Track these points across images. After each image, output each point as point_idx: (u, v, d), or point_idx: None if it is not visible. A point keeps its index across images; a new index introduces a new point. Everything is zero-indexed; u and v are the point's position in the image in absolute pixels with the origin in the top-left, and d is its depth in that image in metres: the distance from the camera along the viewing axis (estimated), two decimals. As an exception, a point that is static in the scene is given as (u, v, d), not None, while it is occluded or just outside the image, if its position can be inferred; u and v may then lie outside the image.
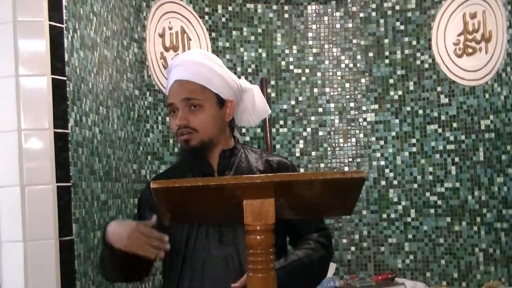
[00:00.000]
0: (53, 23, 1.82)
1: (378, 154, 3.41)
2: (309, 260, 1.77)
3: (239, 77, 1.92)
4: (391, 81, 3.40)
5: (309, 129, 3.47)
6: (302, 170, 3.39)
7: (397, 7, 3.39)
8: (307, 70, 3.49)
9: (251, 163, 1.84)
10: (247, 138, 3.31)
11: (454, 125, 3.20)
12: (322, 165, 3.41)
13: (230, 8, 3.33)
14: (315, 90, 3.49)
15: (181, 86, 1.79)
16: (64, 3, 1.87)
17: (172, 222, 1.64)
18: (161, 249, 1.58)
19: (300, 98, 3.48)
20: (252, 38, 3.39)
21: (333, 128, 3.47)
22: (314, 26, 3.50)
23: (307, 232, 1.83)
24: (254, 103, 1.92)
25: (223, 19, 3.31)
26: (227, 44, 3.31)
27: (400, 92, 3.38)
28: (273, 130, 3.41)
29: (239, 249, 1.70)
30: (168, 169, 2.05)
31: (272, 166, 1.84)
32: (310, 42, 3.50)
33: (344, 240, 3.40)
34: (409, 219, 3.32)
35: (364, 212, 3.38)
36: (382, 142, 3.41)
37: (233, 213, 1.28)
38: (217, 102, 1.78)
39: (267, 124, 3.27)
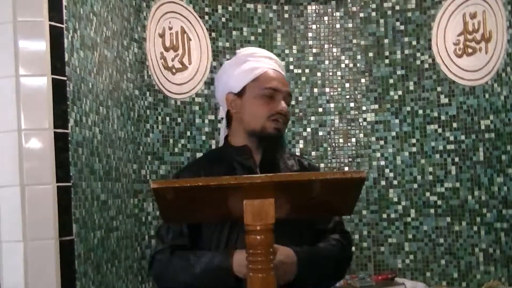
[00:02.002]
0: (53, 23, 1.82)
1: (378, 154, 3.41)
2: (332, 252, 1.81)
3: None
4: (391, 81, 3.40)
5: (309, 129, 3.47)
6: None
7: (397, 7, 3.39)
8: (307, 70, 3.49)
9: (287, 162, 1.90)
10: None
11: (454, 125, 3.20)
12: (322, 165, 3.41)
13: (230, 8, 3.33)
14: (315, 90, 3.49)
15: (282, 78, 1.88)
16: (64, 3, 1.87)
17: (209, 225, 1.69)
18: None
19: (300, 98, 3.48)
20: (252, 38, 3.39)
21: (333, 128, 3.47)
22: (314, 26, 3.50)
23: (329, 232, 1.88)
24: None
25: (223, 19, 3.31)
26: (227, 44, 3.31)
27: (400, 92, 3.38)
28: (273, 130, 3.40)
29: (283, 242, 1.71)
30: (195, 164, 2.01)
31: (306, 167, 1.92)
32: (310, 42, 3.50)
33: (344, 240, 3.40)
34: (409, 219, 3.32)
35: (364, 212, 3.38)
36: (382, 142, 3.41)
37: (233, 213, 1.28)
38: None
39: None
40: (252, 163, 1.83)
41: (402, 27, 3.38)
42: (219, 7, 3.29)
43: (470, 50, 3.12)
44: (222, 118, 2.01)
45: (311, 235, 1.86)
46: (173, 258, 1.78)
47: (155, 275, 1.86)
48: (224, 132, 1.99)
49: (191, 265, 1.72)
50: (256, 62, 1.88)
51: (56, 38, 1.83)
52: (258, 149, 1.85)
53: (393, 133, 3.38)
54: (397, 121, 3.38)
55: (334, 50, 3.49)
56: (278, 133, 1.81)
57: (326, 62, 3.50)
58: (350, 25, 3.48)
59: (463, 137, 3.16)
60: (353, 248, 2.04)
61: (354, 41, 3.47)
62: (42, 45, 1.80)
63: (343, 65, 3.49)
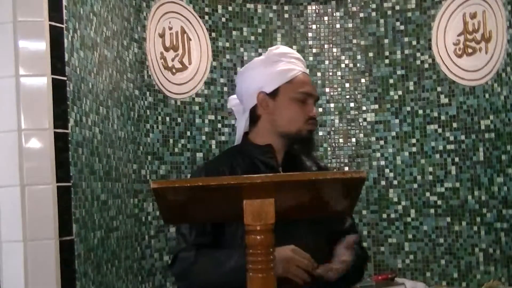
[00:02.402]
0: (53, 23, 1.82)
1: (378, 154, 3.41)
2: (359, 257, 1.87)
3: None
4: (391, 81, 3.40)
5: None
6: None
7: (397, 7, 3.39)
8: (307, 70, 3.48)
9: (306, 163, 1.93)
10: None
11: (454, 125, 3.20)
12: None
13: (230, 8, 3.33)
14: (315, 90, 3.48)
15: (311, 82, 1.94)
16: (64, 3, 1.87)
17: (231, 223, 1.70)
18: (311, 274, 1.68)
19: (300, 98, 3.47)
20: (252, 38, 3.39)
21: (333, 128, 3.47)
22: (314, 26, 3.50)
23: (344, 233, 1.89)
24: None
25: (223, 19, 3.31)
26: (227, 44, 3.31)
27: (400, 92, 3.38)
28: (273, 130, 3.40)
29: (301, 244, 1.75)
30: (216, 162, 2.00)
31: (323, 169, 1.98)
32: (310, 42, 3.50)
33: (344, 240, 3.39)
34: (409, 219, 3.32)
35: (364, 212, 3.38)
36: (382, 142, 3.41)
37: (233, 213, 1.28)
38: None
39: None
40: (275, 162, 1.84)
41: (402, 27, 3.37)
42: (219, 7, 3.29)
43: (470, 50, 3.12)
44: (230, 112, 2.03)
45: (327, 236, 1.88)
46: (198, 256, 1.78)
47: (178, 274, 1.85)
48: (243, 128, 1.97)
49: (220, 263, 1.72)
50: (289, 63, 1.89)
51: (56, 38, 1.83)
52: (282, 149, 1.87)
53: (393, 133, 3.38)
54: (397, 121, 3.38)
55: (334, 50, 3.49)
56: (311, 135, 1.87)
57: (326, 62, 3.50)
58: (350, 25, 3.48)
59: (463, 137, 3.16)
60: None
61: (354, 41, 3.47)
62: (42, 45, 1.80)
63: (343, 65, 3.48)
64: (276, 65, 1.88)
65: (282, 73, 1.87)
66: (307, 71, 1.96)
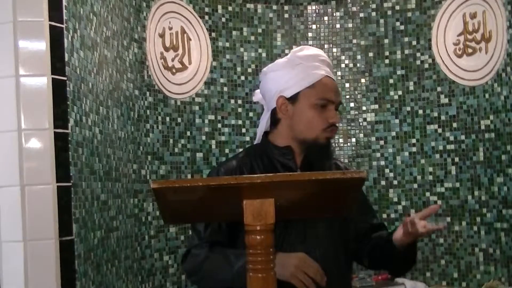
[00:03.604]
0: (53, 23, 1.82)
1: (378, 154, 3.41)
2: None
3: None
4: (391, 81, 3.40)
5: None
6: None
7: (397, 7, 3.39)
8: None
9: (326, 165, 1.89)
10: (247, 138, 3.31)
11: (454, 125, 3.20)
12: (322, 165, 3.40)
13: (230, 8, 3.33)
14: (315, 90, 3.48)
15: (335, 86, 1.88)
16: (64, 3, 1.87)
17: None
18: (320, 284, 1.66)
19: (300, 98, 3.47)
20: (252, 38, 3.39)
21: (333, 128, 3.47)
22: (314, 26, 3.50)
23: (376, 228, 1.96)
24: None
25: (223, 19, 3.31)
26: (227, 44, 3.31)
27: (400, 92, 3.38)
28: (273, 130, 3.40)
29: (319, 245, 1.77)
30: (234, 162, 1.96)
31: (342, 170, 1.93)
32: (310, 42, 3.50)
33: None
34: (409, 219, 3.32)
35: (364, 212, 3.38)
36: (382, 142, 3.41)
37: (233, 213, 1.28)
38: None
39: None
40: (293, 164, 1.84)
41: (402, 27, 3.38)
42: (219, 7, 3.29)
43: (470, 50, 3.12)
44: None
45: (350, 235, 1.89)
46: (211, 254, 1.78)
47: (189, 270, 1.86)
48: (264, 127, 1.96)
49: (230, 262, 1.71)
50: (311, 67, 1.84)
51: (56, 38, 1.83)
52: (301, 152, 1.86)
53: (393, 133, 3.38)
54: (397, 121, 3.38)
55: (334, 50, 3.49)
56: (328, 142, 1.84)
57: (326, 62, 3.49)
58: (350, 25, 3.48)
59: (463, 137, 3.16)
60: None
61: (354, 41, 3.47)
62: (42, 45, 1.80)
63: (343, 65, 3.49)
64: (298, 68, 1.84)
65: (303, 78, 1.82)
66: (332, 73, 1.88)
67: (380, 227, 1.99)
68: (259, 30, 3.41)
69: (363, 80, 3.46)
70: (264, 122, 1.94)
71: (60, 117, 1.82)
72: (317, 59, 1.86)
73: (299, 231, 1.78)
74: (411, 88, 3.35)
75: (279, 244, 1.72)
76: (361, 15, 3.46)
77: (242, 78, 3.32)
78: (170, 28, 3.04)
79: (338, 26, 3.49)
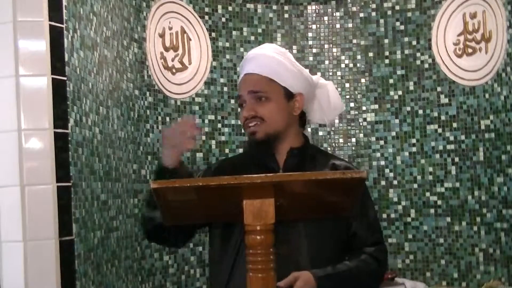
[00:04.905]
0: (53, 23, 1.82)
1: (378, 154, 3.41)
2: (358, 272, 1.74)
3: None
4: (391, 81, 3.40)
5: (309, 129, 3.46)
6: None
7: (397, 7, 3.39)
8: (307, 70, 3.48)
9: (318, 166, 1.81)
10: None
11: (454, 125, 3.20)
12: (322, 165, 3.40)
13: (230, 8, 3.33)
14: (315, 90, 3.48)
15: (249, 79, 1.82)
16: (64, 3, 1.87)
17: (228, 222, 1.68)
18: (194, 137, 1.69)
19: (300, 98, 3.47)
20: (252, 38, 3.39)
21: (333, 128, 3.47)
22: (314, 26, 3.50)
23: (362, 244, 1.81)
24: (329, 99, 1.92)
25: (223, 19, 3.31)
26: (227, 44, 3.31)
27: (400, 92, 3.38)
28: (273, 130, 3.40)
29: (292, 248, 1.71)
30: (229, 159, 2.01)
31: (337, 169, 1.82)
32: (310, 42, 3.50)
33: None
34: (409, 219, 3.32)
35: (364, 212, 3.38)
36: (382, 142, 3.41)
37: (233, 213, 1.28)
38: (285, 95, 1.80)
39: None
40: (276, 165, 1.81)
41: (402, 27, 3.37)
42: (219, 7, 3.29)
43: (470, 50, 3.12)
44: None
45: (335, 241, 1.80)
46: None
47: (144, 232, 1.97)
48: None
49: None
50: (241, 71, 1.88)
51: (56, 38, 1.83)
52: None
53: (393, 133, 3.38)
54: (397, 121, 3.38)
55: (334, 50, 3.49)
56: (255, 137, 1.79)
57: (326, 62, 3.49)
58: (350, 25, 3.48)
59: (463, 137, 3.16)
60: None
61: (354, 41, 3.47)
62: (42, 45, 1.80)
63: (343, 65, 3.48)
64: (240, 73, 1.90)
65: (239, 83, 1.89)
66: (256, 67, 1.82)
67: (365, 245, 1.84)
68: (259, 30, 3.41)
69: (363, 80, 3.46)
70: None
71: (60, 117, 1.82)
72: (245, 61, 1.88)
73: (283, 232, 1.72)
74: (411, 88, 3.35)
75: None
76: (361, 15, 3.46)
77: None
78: (170, 28, 3.04)
79: (338, 26, 3.49)
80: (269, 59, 1.82)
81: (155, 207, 1.51)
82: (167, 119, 3.00)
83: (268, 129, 1.77)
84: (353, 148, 3.45)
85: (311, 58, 3.49)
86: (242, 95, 1.82)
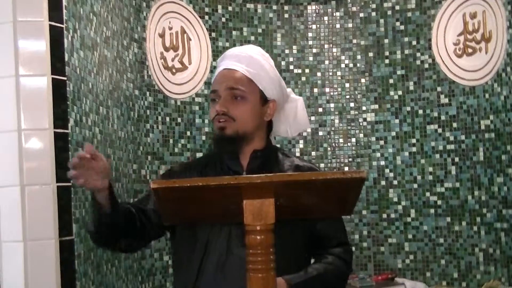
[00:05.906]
0: (53, 23, 1.83)
1: (378, 154, 3.41)
2: (329, 276, 1.74)
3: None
4: (391, 81, 3.40)
5: (309, 129, 3.46)
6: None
7: (397, 7, 3.39)
8: (307, 70, 3.49)
9: (282, 167, 1.80)
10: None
11: (454, 125, 3.20)
12: (322, 165, 3.40)
13: (230, 8, 3.33)
14: (315, 90, 3.49)
15: (229, 74, 1.79)
16: (64, 3, 1.87)
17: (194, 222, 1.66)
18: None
19: (300, 98, 3.47)
20: (252, 38, 3.39)
21: (333, 128, 3.47)
22: (314, 26, 3.50)
23: (327, 245, 1.80)
24: (296, 114, 1.91)
25: (223, 19, 3.31)
26: (227, 44, 3.31)
27: (400, 92, 3.38)
28: (273, 130, 3.40)
29: None
30: (195, 160, 1.98)
31: (301, 170, 1.80)
32: (310, 42, 3.50)
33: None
34: (409, 219, 3.32)
35: (364, 212, 3.38)
36: (382, 142, 3.41)
37: (233, 213, 1.28)
38: (261, 98, 1.78)
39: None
40: (239, 168, 1.77)
41: (402, 27, 3.38)
42: (219, 7, 3.29)
43: (470, 50, 3.12)
44: None
45: (303, 241, 1.77)
46: None
47: None
48: None
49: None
50: (218, 65, 1.86)
51: (56, 38, 1.83)
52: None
53: (393, 133, 3.38)
54: (397, 121, 3.38)
55: (334, 50, 3.49)
56: (223, 133, 1.73)
57: (326, 62, 3.50)
58: (350, 25, 3.48)
59: (463, 137, 3.16)
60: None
61: (354, 41, 3.47)
62: (42, 45, 1.80)
63: (343, 65, 3.49)
64: (217, 67, 1.87)
65: (213, 76, 1.85)
66: (238, 64, 1.79)
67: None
68: (259, 30, 3.41)
69: (363, 80, 3.46)
70: None
71: (60, 117, 1.83)
72: (225, 56, 1.86)
73: (237, 232, 1.63)
74: (411, 88, 3.35)
75: (213, 245, 1.67)
76: (361, 15, 3.46)
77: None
78: (170, 28, 3.04)
79: (338, 26, 3.49)
80: (253, 60, 1.80)
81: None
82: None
83: (237, 128, 1.74)
84: (353, 148, 3.45)
85: (311, 58, 3.49)
86: (217, 90, 1.77)
